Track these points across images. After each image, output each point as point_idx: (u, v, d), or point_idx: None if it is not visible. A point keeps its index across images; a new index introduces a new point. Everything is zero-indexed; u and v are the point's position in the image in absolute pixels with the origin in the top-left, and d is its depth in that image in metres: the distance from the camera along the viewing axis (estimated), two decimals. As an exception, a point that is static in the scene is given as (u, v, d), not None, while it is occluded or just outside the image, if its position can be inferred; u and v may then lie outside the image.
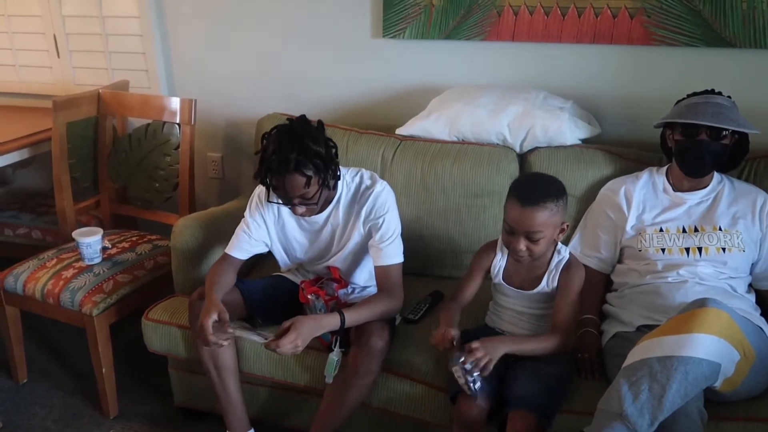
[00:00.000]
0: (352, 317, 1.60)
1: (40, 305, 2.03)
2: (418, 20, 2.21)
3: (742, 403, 1.46)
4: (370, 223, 1.70)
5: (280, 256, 1.84)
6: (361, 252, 1.76)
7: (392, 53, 2.31)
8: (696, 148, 1.66)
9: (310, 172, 1.55)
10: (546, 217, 1.48)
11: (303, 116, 1.64)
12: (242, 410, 1.79)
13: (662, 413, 1.29)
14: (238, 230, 1.79)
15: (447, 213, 2.03)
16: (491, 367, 1.44)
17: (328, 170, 1.60)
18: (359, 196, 1.72)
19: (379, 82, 2.36)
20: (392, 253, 1.69)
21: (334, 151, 1.64)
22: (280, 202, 1.65)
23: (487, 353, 1.43)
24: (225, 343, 1.61)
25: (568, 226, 1.57)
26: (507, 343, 1.53)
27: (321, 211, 1.73)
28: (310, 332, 1.55)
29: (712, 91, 1.72)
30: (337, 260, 1.78)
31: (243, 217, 1.80)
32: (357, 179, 1.74)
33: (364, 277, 1.82)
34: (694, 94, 1.73)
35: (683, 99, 1.75)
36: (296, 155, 1.52)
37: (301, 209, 1.63)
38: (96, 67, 2.70)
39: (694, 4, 1.94)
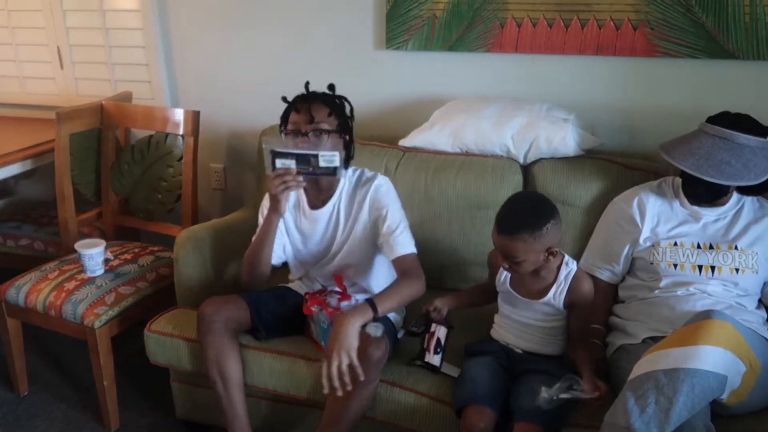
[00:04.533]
0: (385, 306, 1.60)
1: (42, 317, 2.02)
2: (421, 32, 2.22)
3: (750, 416, 1.45)
4: (375, 214, 1.74)
5: (290, 255, 1.86)
6: (370, 248, 1.79)
7: (395, 65, 2.32)
8: (693, 182, 1.64)
9: (334, 108, 1.71)
10: (521, 247, 1.49)
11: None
12: (246, 423, 1.77)
13: (669, 426, 1.27)
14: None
15: (451, 225, 2.02)
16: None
17: (345, 130, 1.73)
18: (360, 186, 1.77)
19: (382, 94, 2.37)
20: (404, 243, 1.71)
21: (348, 137, 1.76)
22: (290, 134, 1.69)
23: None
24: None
25: (557, 251, 1.54)
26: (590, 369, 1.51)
27: (322, 205, 1.78)
28: (349, 337, 1.52)
29: (741, 119, 1.62)
30: (345, 256, 1.79)
31: (247, 229, 1.81)
32: (357, 173, 1.82)
33: (377, 281, 1.83)
34: (724, 116, 1.64)
35: (712, 117, 1.66)
36: (325, 95, 1.73)
37: (308, 144, 1.65)
38: (99, 78, 2.71)
39: (697, 16, 1.94)
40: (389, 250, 1.71)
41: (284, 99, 1.73)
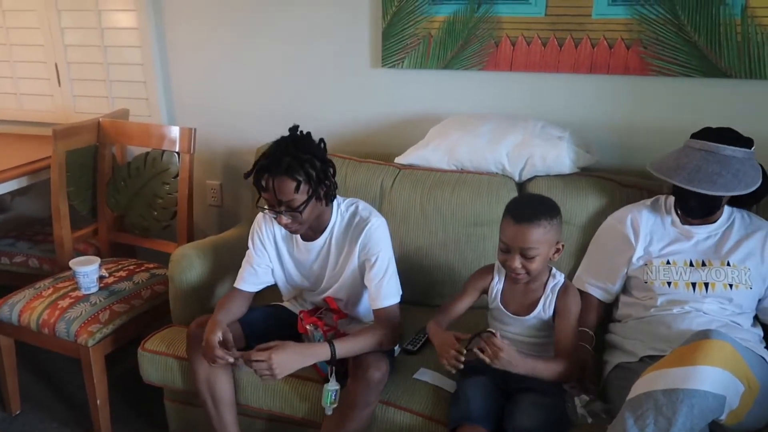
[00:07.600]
0: (344, 349, 1.59)
1: (36, 336, 2.01)
2: (417, 50, 2.24)
3: (747, 436, 1.44)
4: (363, 258, 1.69)
5: (282, 282, 1.84)
6: (359, 284, 1.75)
7: (391, 83, 2.33)
8: (685, 196, 1.65)
9: (300, 178, 1.55)
10: (540, 235, 1.50)
11: (308, 132, 1.66)
12: (239, 444, 1.75)
13: (669, 447, 1.26)
14: (243, 263, 1.80)
15: (446, 242, 2.02)
16: (496, 363, 1.47)
17: (320, 184, 1.60)
18: (353, 227, 1.71)
19: (378, 112, 2.38)
20: (387, 294, 1.66)
21: (331, 170, 1.65)
22: (267, 209, 1.63)
23: (508, 361, 1.47)
24: (231, 359, 1.59)
25: (563, 246, 1.58)
26: (524, 365, 1.50)
27: (315, 238, 1.73)
28: (289, 360, 1.53)
29: (724, 133, 1.64)
30: (335, 291, 1.77)
31: (243, 247, 1.80)
32: (352, 209, 1.73)
33: (366, 309, 1.80)
34: (707, 131, 1.66)
35: (696, 134, 1.68)
36: (290, 159, 1.55)
37: (286, 219, 1.60)
38: (97, 95, 2.72)
39: (689, 35, 1.96)
40: (372, 298, 1.68)
41: (246, 176, 1.61)
